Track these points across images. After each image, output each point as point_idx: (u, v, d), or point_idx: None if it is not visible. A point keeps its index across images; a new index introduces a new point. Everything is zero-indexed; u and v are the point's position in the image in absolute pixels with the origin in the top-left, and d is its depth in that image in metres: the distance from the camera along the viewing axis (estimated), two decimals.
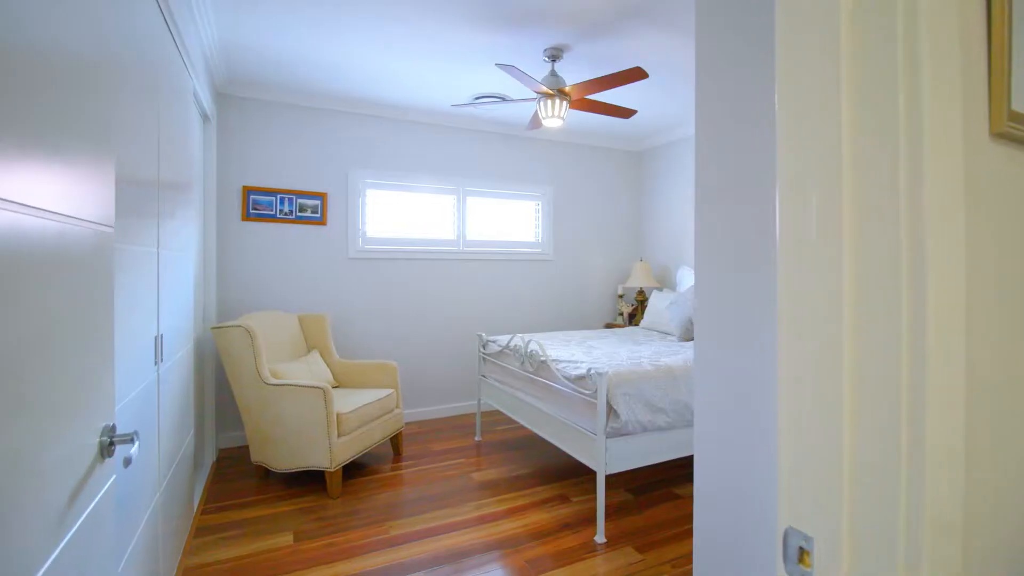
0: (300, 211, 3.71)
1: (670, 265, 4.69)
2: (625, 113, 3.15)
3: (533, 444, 3.54)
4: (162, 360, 1.75)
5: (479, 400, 3.61)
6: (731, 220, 1.23)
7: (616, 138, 4.84)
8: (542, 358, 2.77)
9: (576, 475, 3.02)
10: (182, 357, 2.20)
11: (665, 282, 4.72)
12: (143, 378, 1.51)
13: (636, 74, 2.52)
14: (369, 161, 3.94)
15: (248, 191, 3.56)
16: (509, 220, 4.53)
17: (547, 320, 4.67)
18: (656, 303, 4.04)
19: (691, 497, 2.74)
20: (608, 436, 2.31)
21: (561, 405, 2.62)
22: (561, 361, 2.70)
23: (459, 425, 3.99)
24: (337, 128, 3.83)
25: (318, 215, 3.77)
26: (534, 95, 3.25)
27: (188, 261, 2.38)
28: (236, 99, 3.52)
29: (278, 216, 3.65)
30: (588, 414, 2.41)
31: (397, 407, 3.29)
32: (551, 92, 2.80)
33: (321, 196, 3.77)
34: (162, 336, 1.75)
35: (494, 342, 3.41)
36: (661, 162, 4.82)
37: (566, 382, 2.53)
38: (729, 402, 1.24)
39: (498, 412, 4.16)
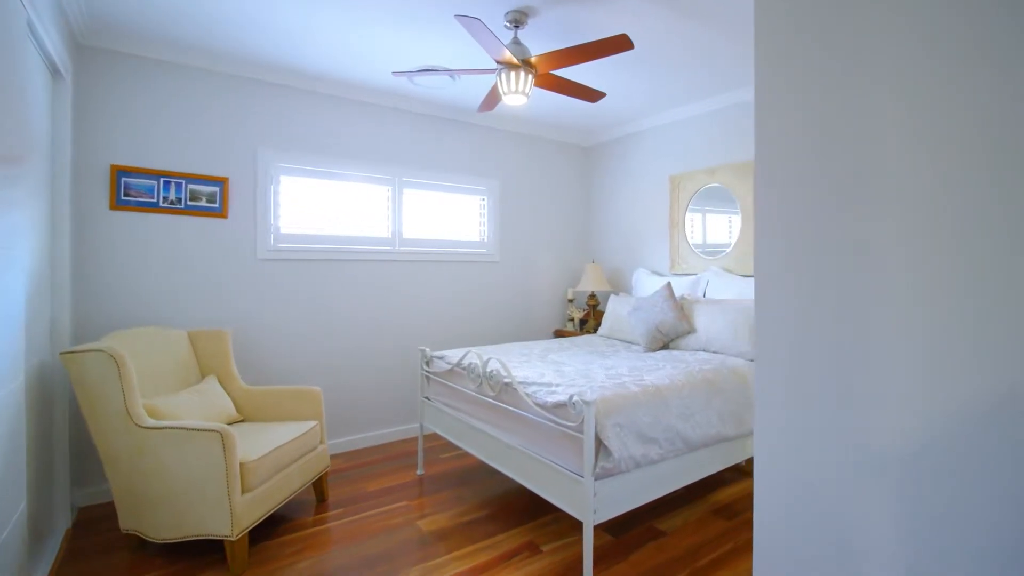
0: (192, 199, 2.96)
1: (623, 267, 4.41)
2: (593, 96, 2.77)
3: (486, 474, 3.06)
4: None
5: (421, 427, 3.06)
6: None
7: (566, 130, 4.48)
8: (506, 379, 2.30)
9: (543, 512, 2.58)
10: (6, 396, 1.51)
11: (619, 285, 4.43)
12: None
13: (620, 43, 2.13)
14: (284, 141, 3.25)
15: (119, 172, 2.76)
16: (452, 216, 4.01)
17: (494, 328, 4.20)
18: (616, 309, 3.71)
19: (676, 533, 2.40)
20: (597, 478, 1.89)
21: (531, 438, 2.17)
22: (531, 383, 2.24)
23: (397, 455, 3.41)
24: (244, 98, 3.11)
25: (216, 205, 3.03)
26: (493, 66, 2.78)
27: (16, 262, 1.66)
28: (103, 52, 2.72)
29: (161, 205, 2.88)
30: (568, 450, 1.97)
31: (322, 442, 2.67)
32: (516, 63, 2.35)
33: (221, 182, 3.03)
34: None
35: (441, 359, 2.89)
36: (612, 159, 4.52)
37: (539, 411, 2.08)
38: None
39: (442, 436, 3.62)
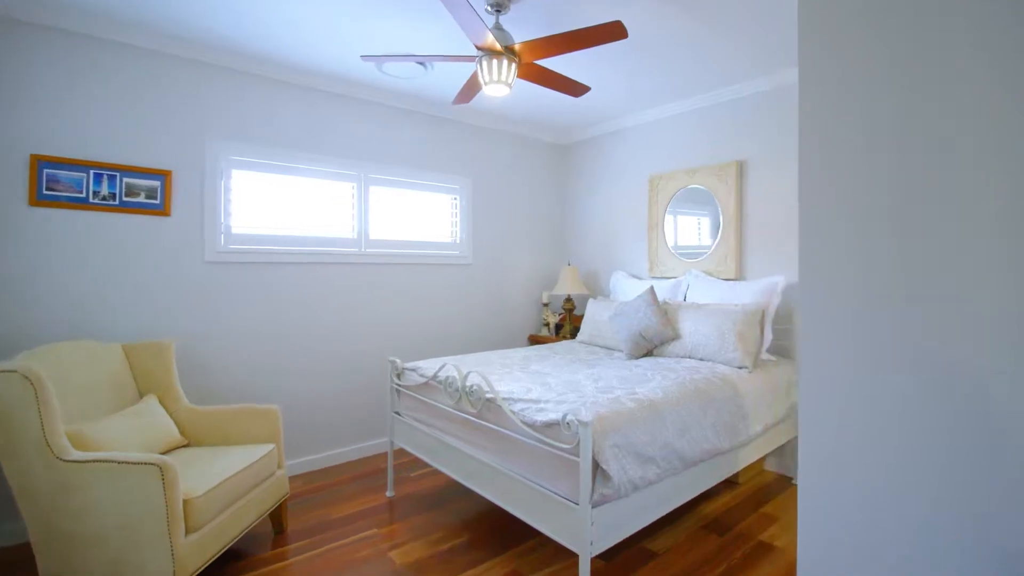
0: (129, 195, 2.62)
1: (600, 270, 4.28)
2: (578, 89, 2.60)
3: (461, 492, 2.85)
4: None
5: (391, 444, 2.82)
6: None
7: (542, 127, 4.32)
8: (488, 395, 2.10)
9: (527, 536, 2.39)
10: None
11: (596, 289, 4.30)
12: None
13: (613, 31, 1.97)
14: (238, 131, 2.94)
15: (41, 162, 2.40)
16: (422, 216, 3.78)
17: (466, 334, 3.99)
18: (595, 314, 3.57)
19: (669, 553, 2.26)
20: (594, 505, 1.72)
21: (518, 460, 1.98)
22: (516, 399, 2.05)
23: (364, 474, 3.15)
24: (191, 82, 2.79)
25: (157, 201, 2.70)
26: (473, 53, 2.58)
27: None
28: (21, 25, 2.35)
29: (92, 201, 2.53)
30: (561, 474, 1.80)
31: (279, 467, 2.39)
32: (499, 49, 2.15)
33: (163, 175, 2.71)
34: None
35: (414, 371, 2.66)
36: (589, 158, 4.39)
37: (527, 430, 1.89)
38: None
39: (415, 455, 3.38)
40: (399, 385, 2.74)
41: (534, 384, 2.27)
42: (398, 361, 2.77)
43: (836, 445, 0.91)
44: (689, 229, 3.68)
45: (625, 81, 3.26)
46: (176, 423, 2.38)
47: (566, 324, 4.23)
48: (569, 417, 1.73)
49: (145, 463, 1.73)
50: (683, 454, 2.05)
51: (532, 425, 1.88)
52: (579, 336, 3.64)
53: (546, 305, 4.38)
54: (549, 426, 1.83)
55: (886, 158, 0.85)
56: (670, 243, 3.75)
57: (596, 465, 1.72)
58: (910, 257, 0.82)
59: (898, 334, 0.84)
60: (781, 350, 3.12)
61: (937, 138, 0.79)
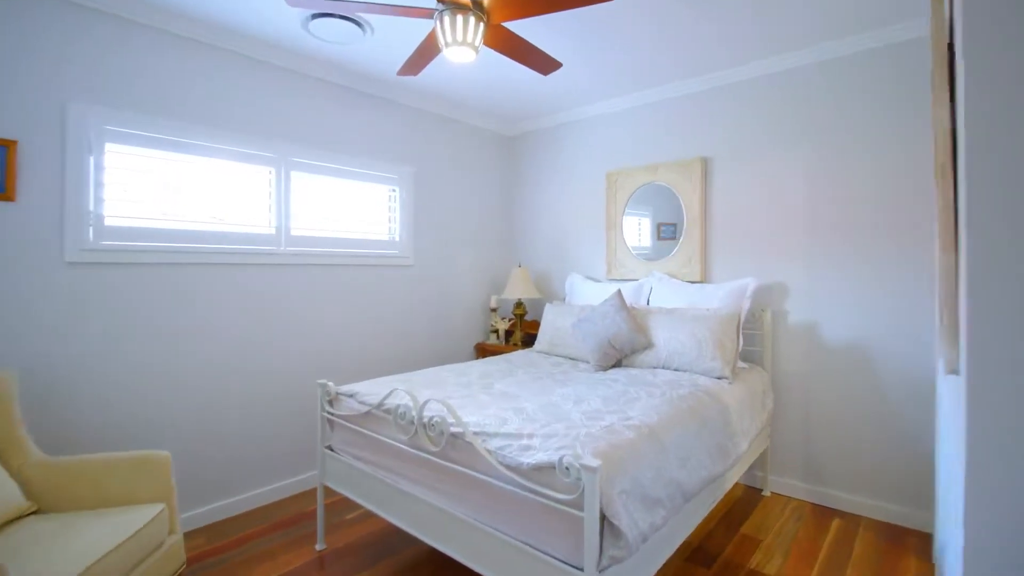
0: None
1: (553, 272, 3.97)
2: (548, 65, 2.25)
3: (411, 540, 2.39)
4: None
5: (321, 487, 2.31)
6: None
7: (491, 115, 3.93)
8: (454, 428, 1.69)
9: None
10: None
11: (548, 292, 3.98)
12: None
13: None
14: (116, 95, 2.29)
15: None
16: (355, 210, 3.25)
17: (407, 345, 3.51)
18: (555, 320, 3.24)
19: None
20: (602, 570, 1.36)
21: (495, 511, 1.59)
22: (491, 434, 1.65)
23: (288, 521, 2.59)
24: (48, 28, 2.11)
25: None
26: (432, 5, 2.15)
27: None
28: None
29: None
30: (555, 529, 1.43)
31: (172, 532, 1.82)
32: (465, 2, 1.75)
33: (3, 146, 2.01)
34: None
35: (351, 396, 2.17)
36: (543, 151, 4.07)
37: (509, 475, 1.50)
38: None
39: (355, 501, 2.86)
40: (332, 414, 2.24)
41: (507, 411, 1.88)
42: (330, 385, 2.26)
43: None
44: (650, 229, 3.46)
45: (585, 67, 2.96)
46: (20, 483, 1.74)
47: (516, 331, 3.88)
48: (568, 459, 1.37)
49: None
50: (685, 487, 1.76)
51: (517, 469, 1.49)
52: (537, 345, 3.29)
53: (494, 310, 4.01)
54: (540, 469, 1.45)
55: None
56: (630, 243, 3.52)
57: (603, 517, 1.37)
58: None
59: None
60: (749, 355, 2.97)
61: None
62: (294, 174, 2.92)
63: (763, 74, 2.90)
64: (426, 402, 1.82)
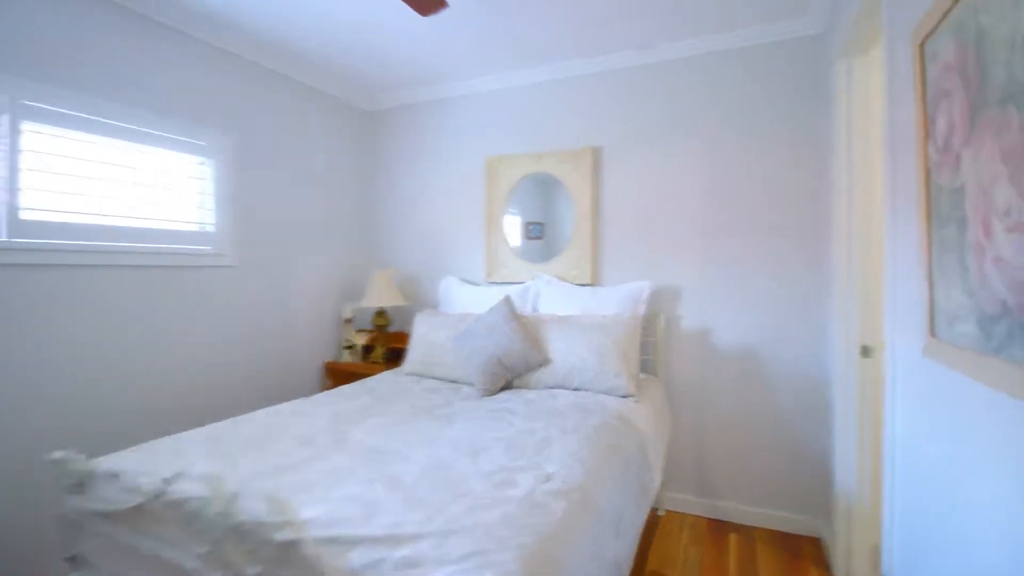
0: None
1: (423, 275, 3.36)
2: (428, 4, 1.67)
3: None
4: None
5: None
6: None
7: (343, 80, 3.18)
8: (284, 534, 1.02)
9: None
10: None
11: (418, 299, 3.36)
12: None
13: None
14: None
15: None
16: (141, 185, 2.29)
17: (223, 376, 2.62)
18: (427, 333, 2.64)
19: None
20: None
21: None
22: (347, 539, 1.02)
23: None
24: None
25: None
26: None
27: None
28: None
29: None
30: None
31: None
32: None
33: None
34: None
35: (114, 477, 1.34)
36: (409, 130, 3.43)
37: None
38: None
39: None
40: (80, 509, 1.38)
41: (375, 484, 1.26)
42: (75, 459, 1.39)
43: None
44: (535, 225, 3.05)
45: (464, 31, 2.44)
46: None
47: (378, 346, 3.20)
48: None
49: None
50: (620, 560, 1.33)
51: None
52: (406, 365, 2.66)
53: (348, 321, 3.27)
54: None
55: None
56: (513, 242, 3.07)
57: None
58: None
59: None
60: (644, 364, 2.71)
61: None
62: (27, 125, 1.90)
63: (663, 60, 2.66)
64: (237, 491, 1.11)
